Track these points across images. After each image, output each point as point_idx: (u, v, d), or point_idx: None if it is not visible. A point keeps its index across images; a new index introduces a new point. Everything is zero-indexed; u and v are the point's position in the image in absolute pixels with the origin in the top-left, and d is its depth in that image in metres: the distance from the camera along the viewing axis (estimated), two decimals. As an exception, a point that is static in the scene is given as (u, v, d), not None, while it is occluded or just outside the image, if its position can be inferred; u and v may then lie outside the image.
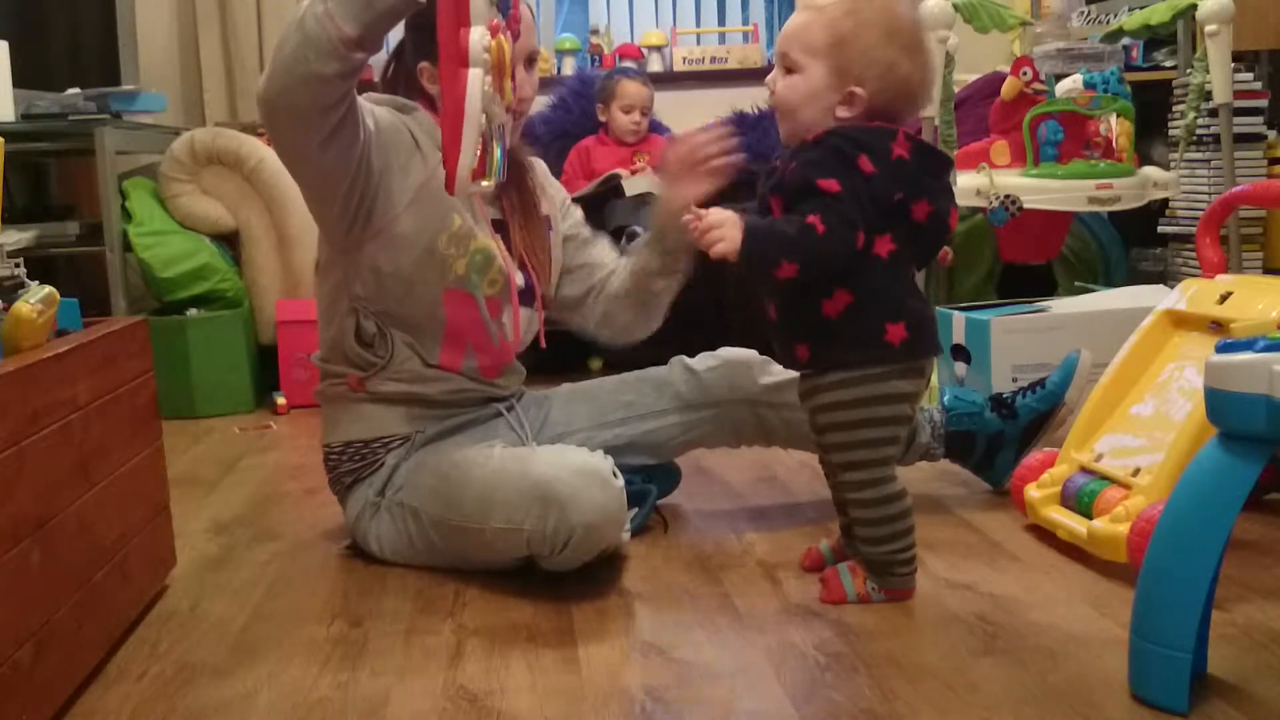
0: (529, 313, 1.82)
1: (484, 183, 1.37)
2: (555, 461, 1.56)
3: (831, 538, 1.67)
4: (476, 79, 1.31)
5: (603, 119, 3.50)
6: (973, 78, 3.38)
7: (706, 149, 1.75)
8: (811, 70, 1.46)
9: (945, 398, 1.96)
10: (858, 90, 1.44)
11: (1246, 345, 1.16)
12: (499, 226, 1.80)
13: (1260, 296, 1.65)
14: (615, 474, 1.58)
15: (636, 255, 1.88)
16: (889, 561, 1.50)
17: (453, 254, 1.70)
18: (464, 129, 1.30)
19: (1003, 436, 1.94)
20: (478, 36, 1.30)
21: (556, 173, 3.28)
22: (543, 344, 1.88)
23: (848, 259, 1.41)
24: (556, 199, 1.94)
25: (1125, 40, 3.20)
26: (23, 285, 1.40)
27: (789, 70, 1.48)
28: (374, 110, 1.67)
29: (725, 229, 1.40)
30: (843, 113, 1.46)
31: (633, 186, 3.20)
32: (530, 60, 1.76)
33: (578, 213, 1.98)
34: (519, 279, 1.78)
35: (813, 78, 1.46)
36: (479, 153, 1.32)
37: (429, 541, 1.67)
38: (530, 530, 1.53)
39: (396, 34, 1.77)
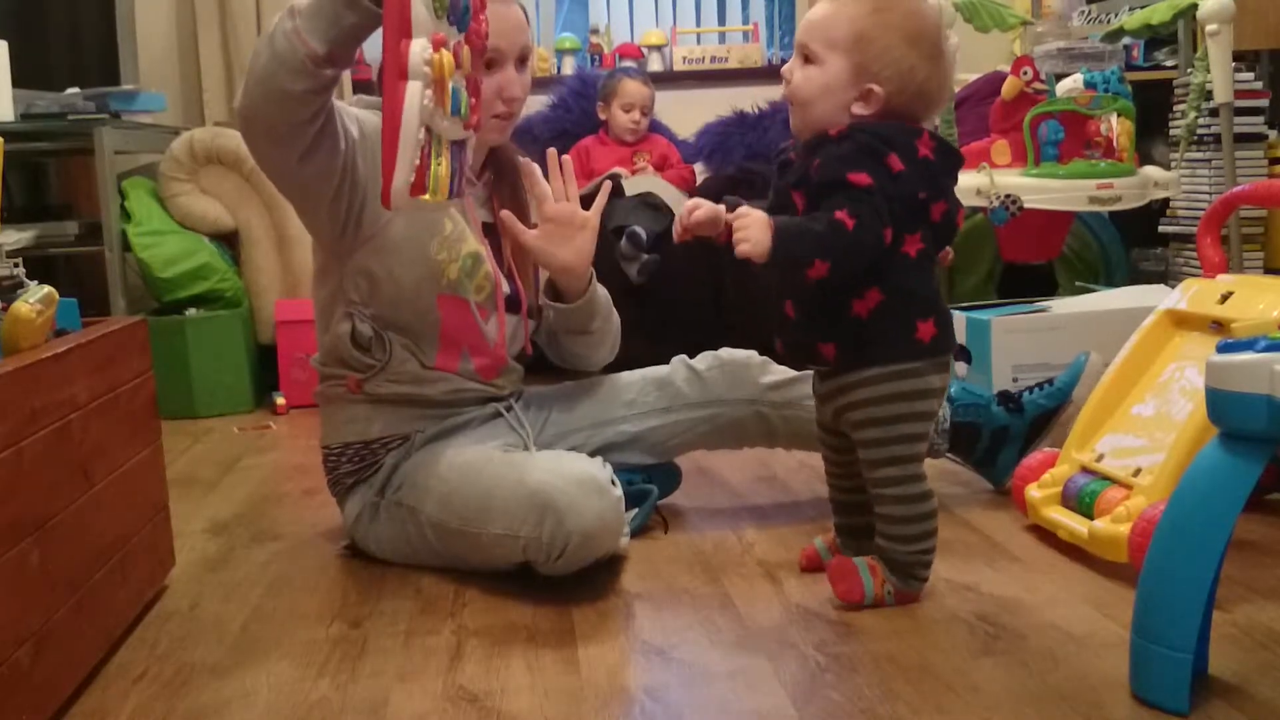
0: (515, 320, 1.82)
1: (426, 198, 1.34)
2: (553, 469, 1.56)
3: (826, 535, 1.67)
4: (415, 92, 1.28)
5: (603, 117, 3.51)
6: (973, 77, 3.37)
7: (574, 216, 1.76)
8: (830, 64, 1.44)
9: (952, 389, 1.96)
10: (875, 89, 1.43)
11: (1247, 345, 1.15)
12: (489, 230, 1.80)
13: (1261, 296, 1.65)
14: (613, 482, 1.58)
15: (548, 313, 1.86)
16: (914, 562, 1.49)
17: (444, 258, 1.70)
18: (399, 142, 1.28)
19: (1007, 432, 1.94)
20: (418, 49, 1.28)
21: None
22: (529, 350, 1.88)
23: (876, 255, 1.40)
24: None
25: (1126, 40, 3.20)
26: (22, 285, 1.40)
27: (808, 61, 1.46)
28: (359, 116, 1.67)
29: (753, 230, 1.36)
30: (858, 110, 1.44)
31: (633, 186, 3.20)
32: (522, 59, 1.75)
33: None
34: (505, 286, 1.78)
35: (831, 71, 1.44)
36: (417, 165, 1.30)
37: (427, 542, 1.67)
38: (527, 538, 1.53)
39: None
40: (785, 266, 1.39)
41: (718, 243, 1.53)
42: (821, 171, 1.41)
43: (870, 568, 1.51)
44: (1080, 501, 1.68)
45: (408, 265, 1.69)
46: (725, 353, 1.92)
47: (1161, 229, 3.24)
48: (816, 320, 1.49)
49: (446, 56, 1.31)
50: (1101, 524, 1.58)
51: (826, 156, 1.42)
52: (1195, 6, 2.75)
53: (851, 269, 1.40)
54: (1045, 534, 1.75)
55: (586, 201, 1.81)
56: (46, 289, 1.36)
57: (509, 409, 1.83)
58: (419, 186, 1.31)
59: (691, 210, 1.48)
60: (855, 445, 1.51)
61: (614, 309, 1.93)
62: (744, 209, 1.39)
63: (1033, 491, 1.77)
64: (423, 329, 1.73)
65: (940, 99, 1.49)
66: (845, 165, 1.39)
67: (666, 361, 1.96)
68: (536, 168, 1.80)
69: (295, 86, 1.46)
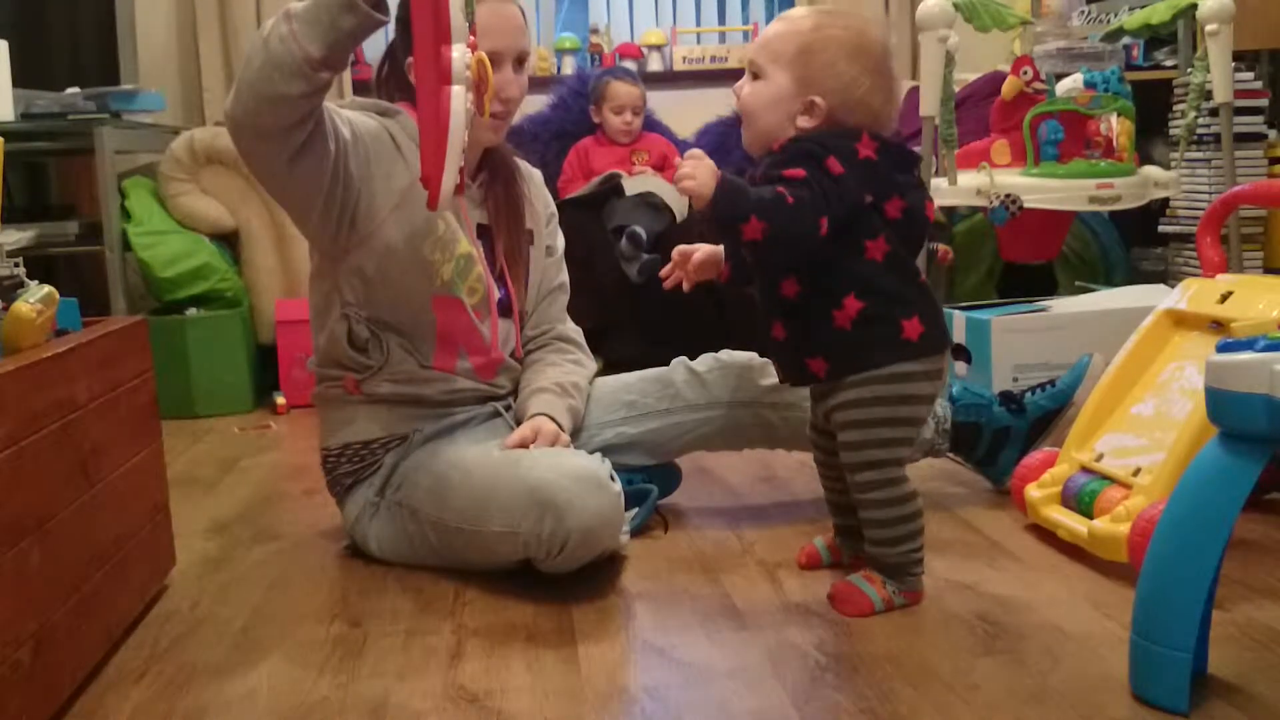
0: (507, 324, 1.82)
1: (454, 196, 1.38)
2: (552, 466, 1.56)
3: (826, 535, 1.67)
4: (460, 97, 1.31)
5: (596, 120, 3.50)
6: (973, 77, 3.37)
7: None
8: (775, 77, 1.49)
9: (954, 389, 1.96)
10: (818, 100, 1.46)
11: (1247, 345, 1.15)
12: (483, 231, 1.80)
13: (1261, 296, 1.65)
14: (613, 478, 1.58)
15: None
16: (904, 563, 1.50)
17: (438, 259, 1.70)
18: (449, 148, 1.31)
19: (1008, 432, 1.94)
20: (459, 54, 1.31)
21: (555, 172, 3.29)
22: (519, 354, 1.88)
23: (812, 244, 1.42)
24: (543, 214, 1.93)
25: (1126, 39, 3.19)
26: (22, 285, 1.40)
27: (755, 76, 1.51)
28: (351, 118, 1.67)
29: (701, 172, 1.39)
30: (803, 122, 1.48)
31: (633, 186, 3.20)
32: (520, 60, 1.75)
33: (559, 244, 1.97)
34: (496, 290, 1.78)
35: (776, 84, 1.49)
36: (461, 168, 1.33)
37: (427, 541, 1.67)
38: (527, 534, 1.53)
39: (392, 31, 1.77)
40: (724, 218, 1.40)
41: (719, 282, 1.55)
42: (762, 177, 1.45)
43: (867, 578, 1.51)
44: (1080, 501, 1.68)
45: (402, 266, 1.69)
46: (726, 354, 1.92)
47: (1161, 229, 3.24)
48: (803, 338, 1.50)
49: (485, 59, 1.34)
50: (1101, 523, 1.58)
51: (766, 164, 1.47)
52: (1195, 6, 2.74)
53: (787, 243, 1.41)
54: (1045, 534, 1.75)
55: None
56: (47, 289, 1.36)
57: (508, 408, 1.83)
58: (461, 187, 1.36)
59: (688, 255, 1.51)
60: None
61: (579, 390, 1.86)
62: (694, 151, 1.43)
63: (1032, 491, 1.77)
64: (419, 329, 1.73)
65: (886, 114, 1.51)
66: (782, 166, 1.43)
67: (666, 362, 1.96)
68: None
69: (290, 90, 1.46)
